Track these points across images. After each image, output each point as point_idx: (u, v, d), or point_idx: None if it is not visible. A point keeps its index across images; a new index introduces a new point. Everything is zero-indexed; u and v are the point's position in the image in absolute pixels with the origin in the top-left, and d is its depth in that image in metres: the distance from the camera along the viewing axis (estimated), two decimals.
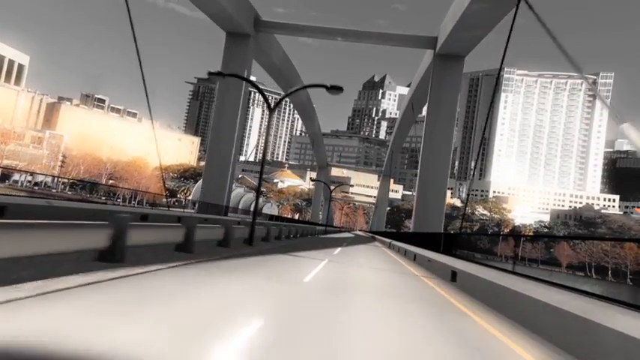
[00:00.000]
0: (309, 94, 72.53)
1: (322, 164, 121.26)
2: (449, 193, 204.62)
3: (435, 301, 9.88)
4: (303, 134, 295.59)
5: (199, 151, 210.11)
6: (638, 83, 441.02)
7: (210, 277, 8.98)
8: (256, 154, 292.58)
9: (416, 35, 44.22)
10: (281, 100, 20.87)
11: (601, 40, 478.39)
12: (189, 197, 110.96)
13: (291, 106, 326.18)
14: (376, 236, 63.72)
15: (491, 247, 14.66)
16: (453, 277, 13.20)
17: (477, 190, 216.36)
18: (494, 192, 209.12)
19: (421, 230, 34.84)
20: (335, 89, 17.12)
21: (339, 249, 25.41)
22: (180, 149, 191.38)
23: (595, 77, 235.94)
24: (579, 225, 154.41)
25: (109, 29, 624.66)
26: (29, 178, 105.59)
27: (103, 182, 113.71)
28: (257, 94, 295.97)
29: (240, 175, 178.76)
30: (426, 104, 42.94)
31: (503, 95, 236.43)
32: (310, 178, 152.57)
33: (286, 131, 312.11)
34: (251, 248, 16.95)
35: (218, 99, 44.38)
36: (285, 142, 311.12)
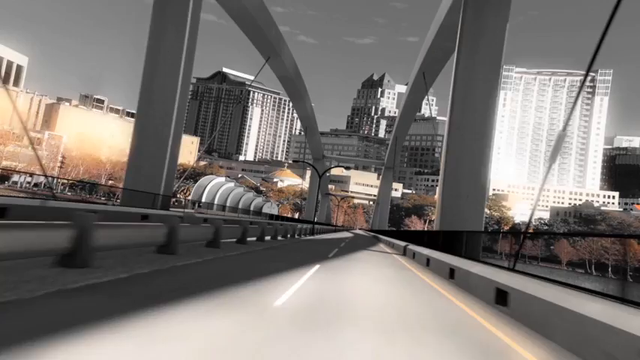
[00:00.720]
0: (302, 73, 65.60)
1: (317, 155, 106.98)
2: None
3: None
4: (301, 133, 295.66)
5: (198, 150, 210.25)
6: (637, 80, 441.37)
7: None
8: (255, 152, 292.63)
9: None
10: None
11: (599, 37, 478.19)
12: (189, 197, 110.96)
13: (291, 104, 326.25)
14: (380, 236, 54.65)
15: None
16: None
17: None
18: (493, 190, 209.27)
19: (451, 228, 21.49)
20: None
21: (314, 268, 12.71)
22: (180, 149, 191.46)
23: (594, 74, 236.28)
24: (579, 222, 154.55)
25: (107, 30, 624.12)
26: (28, 179, 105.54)
27: (103, 183, 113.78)
28: (257, 93, 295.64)
29: (239, 175, 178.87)
30: (455, 50, 28.37)
31: (502, 93, 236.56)
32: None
33: (285, 130, 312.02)
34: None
35: (150, 39, 30.15)
36: (284, 141, 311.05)
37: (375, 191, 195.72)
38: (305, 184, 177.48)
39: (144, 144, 29.72)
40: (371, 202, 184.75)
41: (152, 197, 27.20)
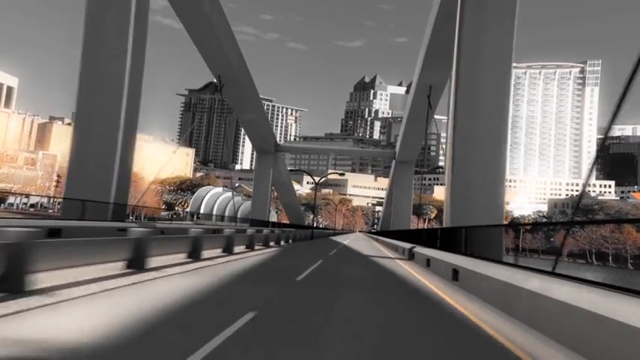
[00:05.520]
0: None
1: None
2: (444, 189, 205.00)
3: None
4: (298, 139, 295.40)
5: (194, 162, 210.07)
6: (626, 69, 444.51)
7: None
8: (252, 161, 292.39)
9: None
10: None
11: (588, 28, 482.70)
12: (187, 209, 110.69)
13: (288, 111, 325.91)
14: (426, 253, 17.53)
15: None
16: None
17: None
18: None
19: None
20: None
21: None
22: (176, 161, 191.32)
23: (583, 65, 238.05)
24: (577, 213, 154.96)
25: None
26: (24, 200, 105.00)
27: None
28: None
29: (237, 184, 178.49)
30: None
31: None
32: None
33: (280, 137, 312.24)
34: None
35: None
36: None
37: (374, 193, 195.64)
38: (303, 190, 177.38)
39: (83, 140, 23.47)
40: (370, 204, 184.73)
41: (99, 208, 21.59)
